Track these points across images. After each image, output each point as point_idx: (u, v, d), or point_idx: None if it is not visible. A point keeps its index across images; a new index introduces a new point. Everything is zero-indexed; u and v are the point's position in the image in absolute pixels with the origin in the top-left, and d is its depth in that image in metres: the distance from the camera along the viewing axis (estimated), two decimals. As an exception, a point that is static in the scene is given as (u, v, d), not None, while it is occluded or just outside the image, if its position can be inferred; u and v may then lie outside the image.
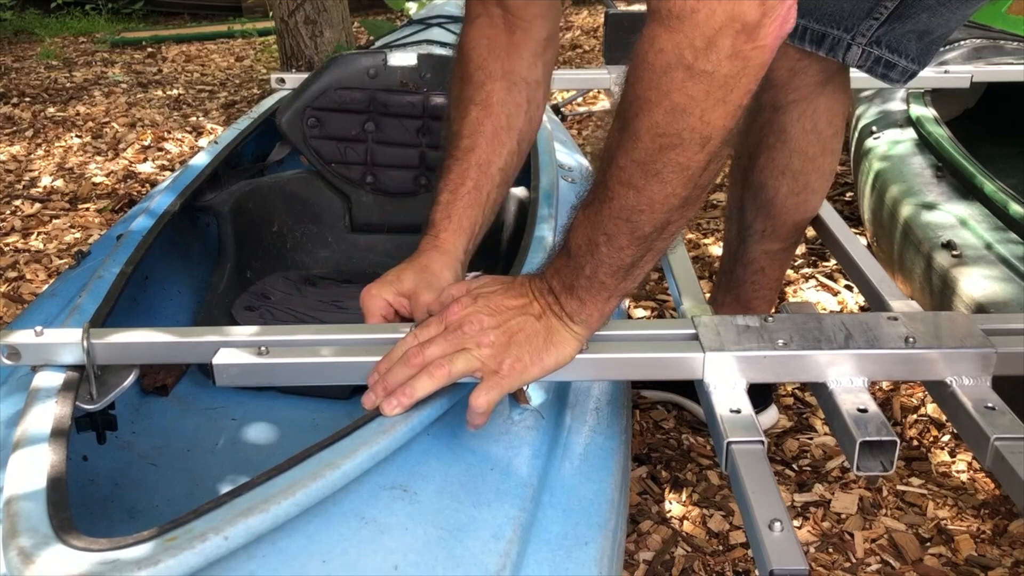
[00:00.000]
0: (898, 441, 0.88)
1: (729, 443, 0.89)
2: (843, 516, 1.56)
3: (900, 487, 1.62)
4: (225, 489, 1.18)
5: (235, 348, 0.98)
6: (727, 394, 0.96)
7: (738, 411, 0.93)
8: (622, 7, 3.34)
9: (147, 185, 3.33)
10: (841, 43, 1.28)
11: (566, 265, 0.90)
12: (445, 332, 0.92)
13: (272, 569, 0.72)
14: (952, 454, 1.70)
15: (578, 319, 0.91)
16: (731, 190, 1.54)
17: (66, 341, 0.99)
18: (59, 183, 3.39)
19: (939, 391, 1.00)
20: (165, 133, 3.97)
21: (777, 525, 0.78)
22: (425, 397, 0.90)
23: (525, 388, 1.02)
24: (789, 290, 2.33)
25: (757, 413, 1.74)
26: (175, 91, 4.87)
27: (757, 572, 0.79)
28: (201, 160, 1.76)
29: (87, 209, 3.13)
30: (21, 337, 0.99)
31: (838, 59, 1.29)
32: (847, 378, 0.97)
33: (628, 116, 0.79)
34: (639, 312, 2.28)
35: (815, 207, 1.52)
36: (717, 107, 0.76)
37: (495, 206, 1.16)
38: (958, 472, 1.65)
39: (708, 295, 1.68)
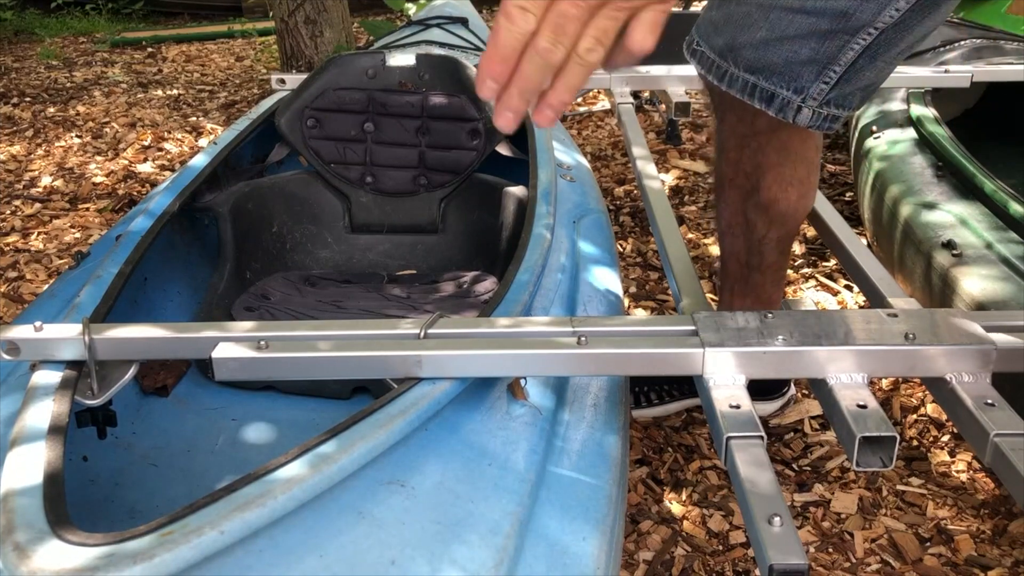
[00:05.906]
0: (898, 437, 0.88)
1: (728, 438, 0.89)
2: (843, 516, 1.56)
3: (900, 487, 1.62)
4: (224, 489, 1.18)
5: (234, 343, 0.98)
6: (727, 390, 0.96)
7: (737, 407, 0.93)
8: (622, 8, 3.33)
9: (147, 185, 3.33)
10: (791, 104, 1.25)
11: None
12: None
13: (269, 563, 0.72)
14: (952, 454, 1.69)
15: None
16: (726, 210, 1.50)
17: (66, 336, 0.99)
18: (59, 183, 3.39)
19: (939, 388, 0.99)
20: (165, 133, 3.97)
21: (777, 520, 0.78)
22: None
23: (523, 383, 1.02)
24: (789, 290, 2.33)
25: (776, 397, 1.75)
26: (175, 91, 4.87)
27: (758, 569, 0.79)
28: (200, 161, 1.76)
29: (87, 209, 3.13)
30: (20, 332, 0.99)
31: (788, 120, 1.27)
32: (847, 374, 0.97)
33: None
34: (639, 312, 2.28)
35: (815, 196, 1.52)
36: None
37: None
38: (958, 472, 1.65)
39: (709, 296, 1.67)
